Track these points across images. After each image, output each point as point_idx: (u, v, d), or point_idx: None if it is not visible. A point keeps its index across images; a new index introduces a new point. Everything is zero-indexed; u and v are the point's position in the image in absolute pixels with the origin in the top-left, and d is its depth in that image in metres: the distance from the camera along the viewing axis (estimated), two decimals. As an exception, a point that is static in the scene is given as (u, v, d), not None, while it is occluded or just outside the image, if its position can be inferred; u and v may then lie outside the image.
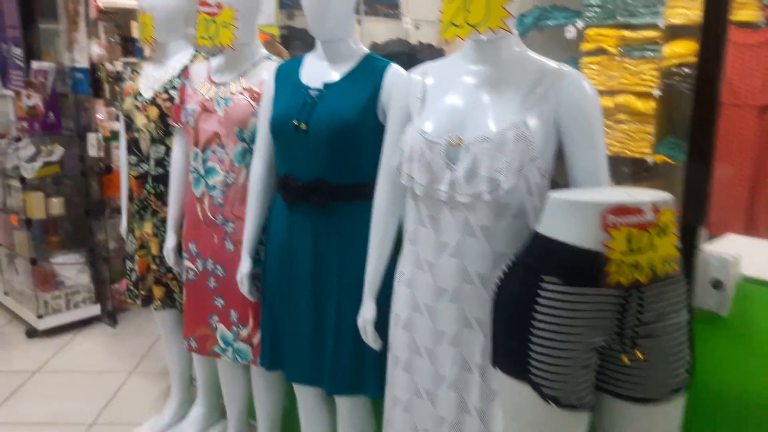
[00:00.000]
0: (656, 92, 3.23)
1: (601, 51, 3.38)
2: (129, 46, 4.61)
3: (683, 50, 3.13)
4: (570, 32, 3.47)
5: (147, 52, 4.73)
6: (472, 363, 1.45)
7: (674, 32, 3.22)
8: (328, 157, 1.77)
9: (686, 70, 3.13)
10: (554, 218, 1.23)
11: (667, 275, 1.22)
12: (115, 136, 3.79)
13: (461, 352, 1.48)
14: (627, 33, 3.27)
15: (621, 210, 1.16)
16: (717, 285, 1.38)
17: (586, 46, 3.44)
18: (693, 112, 1.40)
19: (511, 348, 1.26)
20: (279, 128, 1.82)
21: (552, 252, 1.21)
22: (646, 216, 1.18)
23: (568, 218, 1.20)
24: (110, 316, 3.86)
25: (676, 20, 3.13)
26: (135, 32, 4.54)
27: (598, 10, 3.36)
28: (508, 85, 1.42)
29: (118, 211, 4.12)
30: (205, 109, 2.09)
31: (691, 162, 1.41)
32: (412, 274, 1.54)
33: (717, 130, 1.37)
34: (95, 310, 3.86)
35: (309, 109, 1.77)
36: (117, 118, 4.22)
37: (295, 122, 1.77)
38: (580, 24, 3.44)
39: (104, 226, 3.86)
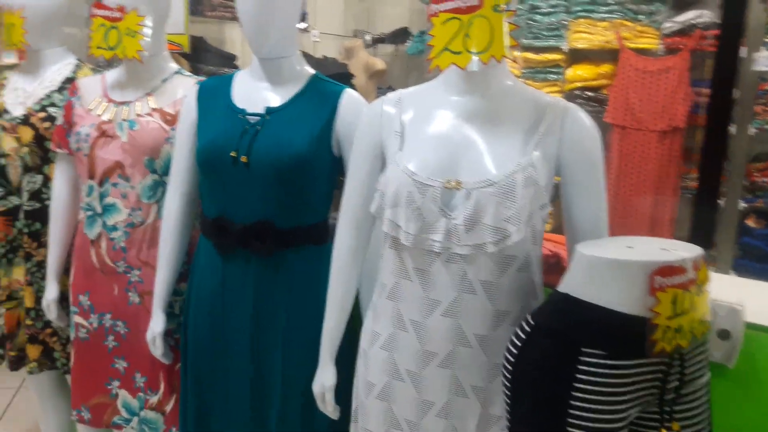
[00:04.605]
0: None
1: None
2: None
3: (586, 74, 3.17)
4: (472, 52, 3.41)
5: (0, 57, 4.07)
6: (465, 437, 1.26)
7: (577, 56, 3.26)
8: (274, 195, 1.49)
9: (588, 93, 3.18)
10: (589, 279, 1.07)
11: (702, 336, 1.11)
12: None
13: (452, 424, 1.28)
14: (531, 55, 3.27)
15: (668, 270, 1.02)
16: (724, 335, 1.30)
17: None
18: (704, 147, 1.31)
19: (541, 424, 1.08)
20: (210, 160, 1.52)
21: (592, 319, 1.05)
22: (688, 274, 1.05)
23: (609, 280, 1.04)
24: (-51, 371, 3.20)
25: (580, 44, 3.17)
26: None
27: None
28: (503, 120, 1.25)
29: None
30: (104, 134, 1.72)
31: (700, 197, 1.32)
32: (391, 336, 1.32)
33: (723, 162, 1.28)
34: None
35: (250, 138, 1.48)
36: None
37: (234, 153, 1.47)
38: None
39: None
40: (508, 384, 1.14)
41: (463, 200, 1.19)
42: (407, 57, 3.91)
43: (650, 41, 3.02)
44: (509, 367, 1.14)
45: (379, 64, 3.77)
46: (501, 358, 1.22)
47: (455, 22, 1.19)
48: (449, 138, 1.25)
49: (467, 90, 1.27)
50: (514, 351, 1.14)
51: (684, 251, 1.08)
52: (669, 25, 2.96)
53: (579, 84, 3.19)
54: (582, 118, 1.26)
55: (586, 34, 3.14)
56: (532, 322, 1.13)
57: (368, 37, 3.87)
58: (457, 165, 1.22)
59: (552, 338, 1.09)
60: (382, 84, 3.91)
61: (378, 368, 1.34)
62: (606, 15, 3.09)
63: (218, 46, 3.16)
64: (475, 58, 1.17)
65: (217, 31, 3.30)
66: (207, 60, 2.89)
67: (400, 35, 3.85)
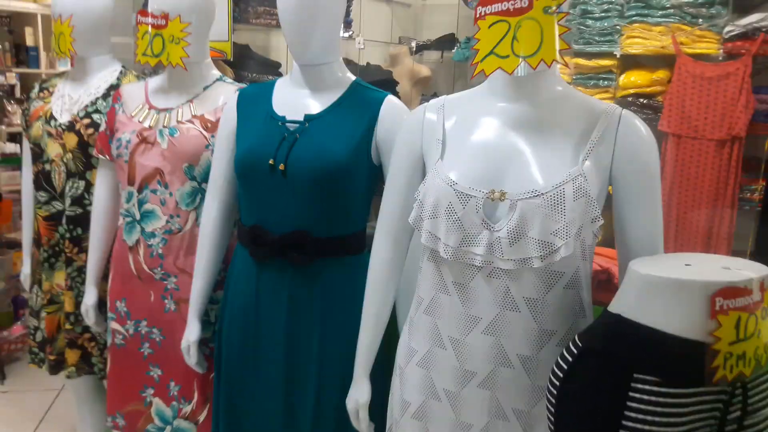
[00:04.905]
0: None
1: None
2: (22, 55, 4.05)
3: (640, 80, 3.05)
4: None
5: (44, 62, 4.19)
6: (506, 462, 1.19)
7: (629, 62, 3.14)
8: (312, 204, 1.45)
9: (642, 100, 3.05)
10: (644, 299, 0.98)
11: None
12: (7, 159, 3.25)
13: (492, 448, 1.21)
14: (582, 61, 3.16)
15: (731, 291, 0.93)
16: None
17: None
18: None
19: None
20: (248, 168, 1.48)
21: (646, 343, 0.97)
22: (753, 296, 0.96)
23: (666, 301, 0.96)
24: (-2, 371, 3.27)
25: (633, 50, 3.05)
26: (29, 39, 4.00)
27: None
28: (553, 128, 1.17)
29: (9, 245, 3.58)
30: (144, 140, 1.71)
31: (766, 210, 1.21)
32: (428, 353, 1.26)
33: None
34: (-21, 364, 3.26)
35: (288, 145, 1.45)
36: (10, 139, 3.67)
37: (271, 162, 1.44)
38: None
39: (-9, 265, 3.29)
40: (552, 409, 1.07)
41: (507, 212, 1.12)
42: (453, 64, 3.84)
43: (709, 46, 2.88)
44: (554, 391, 1.06)
45: (424, 71, 3.72)
46: (545, 380, 1.15)
47: (503, 24, 1.13)
48: (494, 146, 1.18)
49: (514, 96, 1.20)
50: (560, 374, 1.06)
51: (749, 270, 0.98)
52: (730, 29, 2.81)
53: (632, 90, 3.07)
54: (638, 125, 1.17)
55: (640, 39, 3.02)
56: (580, 344, 1.05)
57: (413, 44, 3.82)
58: (501, 175, 1.15)
59: (602, 362, 1.01)
60: (426, 91, 3.85)
61: (414, 386, 1.28)
62: (662, 19, 2.96)
63: (263, 53, 3.16)
64: (523, 62, 1.11)
65: (263, 38, 3.30)
66: (251, 67, 2.88)
67: (446, 42, 3.79)
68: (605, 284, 1.44)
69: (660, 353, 0.95)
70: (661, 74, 3.05)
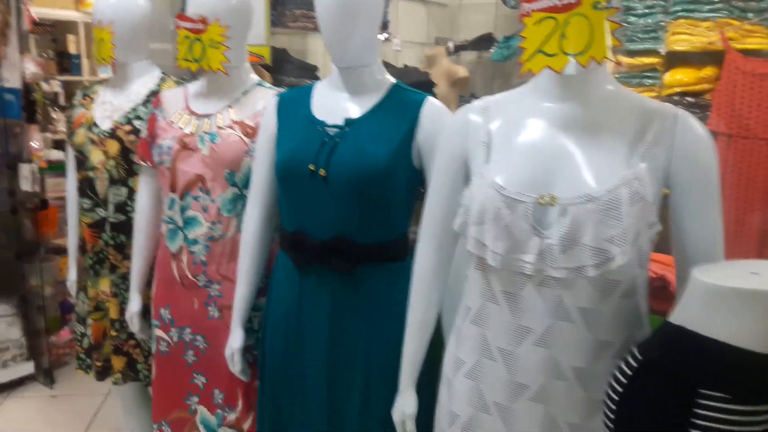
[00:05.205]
0: (655, 122, 3.04)
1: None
2: (65, 63, 4.13)
3: (686, 78, 2.95)
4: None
5: (86, 70, 4.27)
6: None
7: (675, 59, 3.04)
8: (353, 209, 1.42)
9: (689, 98, 2.95)
10: (709, 310, 0.93)
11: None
12: (52, 166, 3.30)
13: (545, 464, 1.16)
14: (625, 59, 3.07)
15: (805, 302, 0.88)
16: None
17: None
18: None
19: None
20: (288, 173, 1.47)
21: (712, 357, 0.91)
22: (827, 307, 0.90)
23: (733, 312, 0.90)
24: (47, 375, 3.33)
25: (679, 46, 2.95)
26: (72, 47, 4.08)
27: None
28: (605, 129, 1.12)
29: (55, 251, 3.64)
30: (185, 147, 1.71)
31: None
32: (476, 364, 1.22)
33: None
34: (29, 368, 3.31)
35: (328, 150, 1.42)
36: (55, 146, 3.73)
37: (312, 167, 1.42)
38: (572, 48, 3.22)
39: (39, 270, 3.34)
40: (611, 425, 1.02)
41: (558, 217, 1.08)
42: (491, 64, 3.78)
43: (760, 41, 2.77)
44: (613, 406, 1.02)
45: (462, 71, 3.67)
46: (601, 393, 1.11)
47: (550, 21, 1.09)
48: (542, 149, 1.14)
49: (563, 96, 1.15)
50: (619, 388, 1.01)
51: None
52: (782, 23, 2.71)
53: (678, 89, 2.97)
54: (695, 126, 1.12)
55: (686, 35, 2.92)
56: (639, 357, 1.00)
57: (451, 45, 3.77)
58: (551, 178, 1.11)
59: (664, 376, 0.96)
60: (464, 92, 3.80)
61: (462, 398, 1.25)
62: (709, 14, 2.85)
63: (300, 57, 3.15)
64: (572, 60, 1.06)
65: (300, 42, 3.29)
66: (288, 71, 2.87)
67: (483, 41, 3.73)
68: (660, 292, 1.38)
69: (728, 368, 0.90)
70: (708, 71, 2.94)
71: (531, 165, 1.13)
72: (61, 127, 3.90)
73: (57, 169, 3.67)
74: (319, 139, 1.44)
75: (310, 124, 1.48)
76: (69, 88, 4.00)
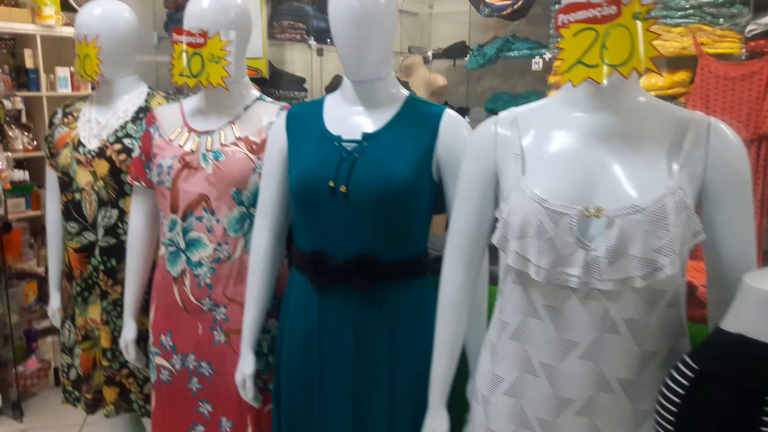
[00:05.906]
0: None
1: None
2: (22, 78, 3.95)
3: (660, 82, 3.02)
4: (536, 63, 3.28)
5: (44, 85, 4.09)
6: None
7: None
8: (376, 226, 1.38)
9: (664, 103, 3.01)
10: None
11: None
12: (17, 187, 3.14)
13: (592, 479, 1.15)
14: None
15: None
16: None
17: (553, 78, 3.26)
18: None
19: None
20: (306, 191, 1.42)
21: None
22: None
23: (799, 320, 0.90)
24: (15, 408, 3.15)
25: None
26: (29, 61, 3.91)
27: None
28: (641, 140, 1.12)
29: (20, 276, 3.47)
30: (187, 165, 1.64)
31: None
32: (517, 380, 1.19)
33: None
34: (-4, 401, 3.15)
35: (348, 166, 1.38)
36: (17, 166, 3.57)
37: (332, 183, 1.37)
38: (547, 55, 3.26)
39: (3, 297, 3.18)
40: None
41: (603, 229, 1.06)
42: (465, 72, 3.80)
43: (732, 45, 2.85)
44: (671, 417, 1.00)
45: (440, 80, 3.67)
46: (647, 404, 1.10)
47: (590, 33, 1.08)
48: (581, 160, 1.13)
49: (597, 107, 1.14)
50: (676, 399, 1.00)
51: None
52: (752, 28, 2.78)
53: (653, 93, 3.02)
54: (728, 133, 1.13)
55: (659, 41, 2.99)
56: (695, 367, 0.99)
57: (429, 53, 3.78)
58: (592, 190, 1.10)
59: (726, 387, 0.95)
60: (439, 101, 3.80)
61: (502, 415, 1.22)
62: (681, 20, 2.93)
63: (281, 68, 3.09)
64: (613, 71, 1.06)
65: (279, 52, 3.23)
66: (277, 84, 2.80)
67: (457, 50, 3.75)
68: (689, 297, 1.38)
69: (798, 376, 0.90)
70: (681, 75, 3.02)
71: (570, 177, 1.12)
72: (19, 145, 3.73)
73: (20, 189, 3.52)
74: (337, 155, 1.40)
75: (324, 139, 1.43)
76: (30, 106, 3.84)
